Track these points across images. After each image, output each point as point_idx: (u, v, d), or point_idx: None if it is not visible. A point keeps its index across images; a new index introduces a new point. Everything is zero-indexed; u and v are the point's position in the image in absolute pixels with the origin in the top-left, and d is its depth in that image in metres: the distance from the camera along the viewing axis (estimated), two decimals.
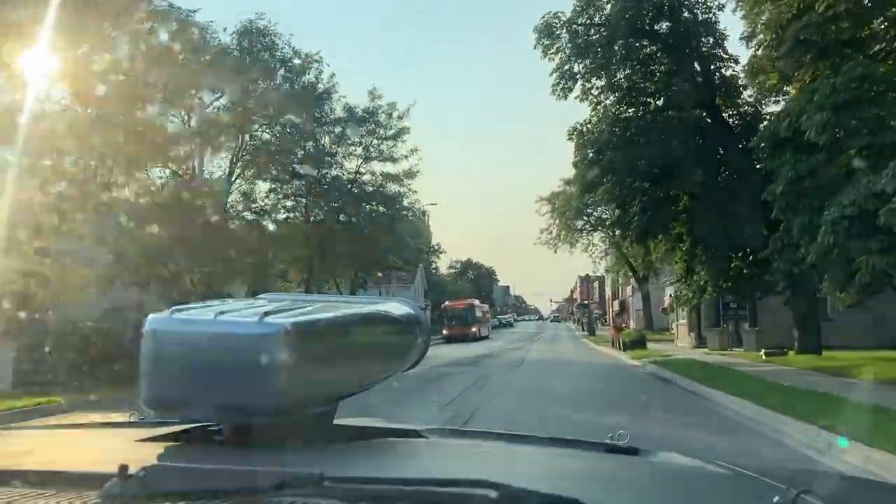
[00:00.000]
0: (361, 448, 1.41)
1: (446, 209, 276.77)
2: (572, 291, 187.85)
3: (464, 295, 67.41)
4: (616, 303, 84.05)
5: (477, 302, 58.72)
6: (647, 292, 54.58)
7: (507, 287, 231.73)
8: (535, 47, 25.32)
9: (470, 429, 2.16)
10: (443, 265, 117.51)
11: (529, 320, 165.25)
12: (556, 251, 54.19)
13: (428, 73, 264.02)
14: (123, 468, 0.99)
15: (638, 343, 29.15)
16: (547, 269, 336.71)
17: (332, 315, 1.38)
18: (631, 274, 57.00)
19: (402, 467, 1.36)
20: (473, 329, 52.71)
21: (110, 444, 1.54)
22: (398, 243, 39.33)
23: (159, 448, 1.31)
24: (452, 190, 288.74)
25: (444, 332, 51.51)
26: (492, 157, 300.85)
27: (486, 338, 56.71)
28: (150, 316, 1.28)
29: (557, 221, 53.60)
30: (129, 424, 1.75)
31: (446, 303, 56.26)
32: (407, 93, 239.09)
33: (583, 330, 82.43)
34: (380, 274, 42.76)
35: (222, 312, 1.26)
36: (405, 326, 1.60)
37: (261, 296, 1.58)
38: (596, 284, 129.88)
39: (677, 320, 36.90)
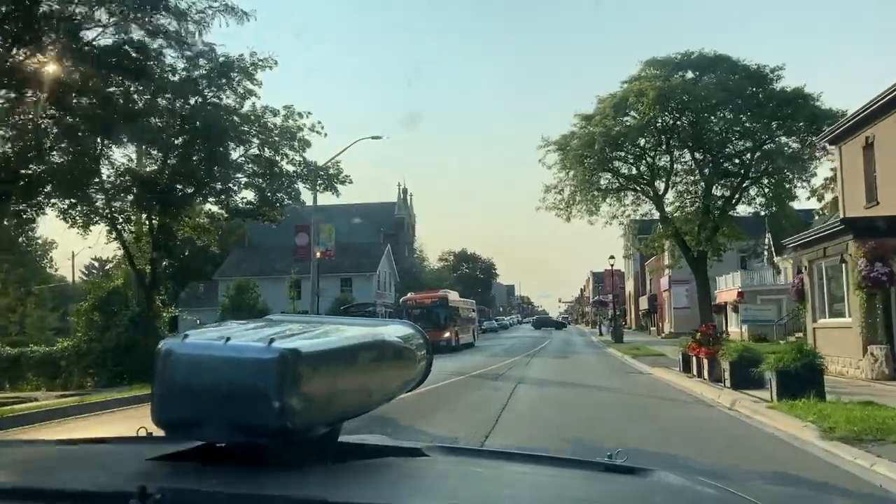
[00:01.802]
0: (364, 468, 1.44)
1: (449, 208, 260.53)
2: (582, 290, 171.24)
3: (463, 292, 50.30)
4: (644, 299, 66.17)
5: (454, 295, 41.14)
6: (706, 281, 36.97)
7: (512, 286, 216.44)
8: None
9: (471, 447, 2.07)
10: (432, 256, 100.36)
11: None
12: (568, 218, 36.70)
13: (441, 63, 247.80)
14: (142, 489, 1.06)
15: (798, 380, 10.97)
16: (556, 269, 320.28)
17: (336, 339, 1.43)
18: (673, 258, 39.10)
19: (403, 490, 1.39)
20: (446, 334, 35.40)
21: (122, 462, 1.54)
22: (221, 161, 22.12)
23: (171, 468, 1.36)
24: (458, 189, 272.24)
25: None
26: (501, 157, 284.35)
27: (468, 346, 39.30)
28: (164, 340, 1.34)
29: (572, 175, 36.14)
30: (137, 440, 1.79)
31: (408, 295, 38.65)
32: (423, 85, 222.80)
33: (601, 334, 64.73)
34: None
35: (232, 337, 1.31)
36: (407, 348, 1.64)
37: (269, 316, 1.73)
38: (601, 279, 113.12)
39: (813, 319, 19.15)
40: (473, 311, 45.42)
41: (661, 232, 37.78)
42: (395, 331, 1.66)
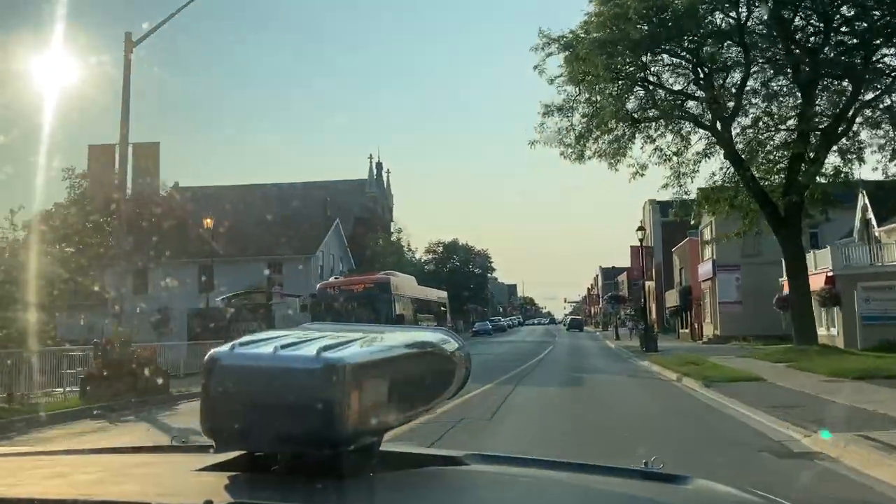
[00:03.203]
0: (408, 480, 1.48)
1: (450, 207, 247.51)
2: (590, 289, 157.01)
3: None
4: (672, 294, 52.47)
5: (404, 280, 27.32)
6: (800, 253, 23.63)
7: (514, 286, 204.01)
8: None
9: (508, 454, 1.80)
10: (421, 248, 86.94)
11: (539, 324, 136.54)
12: (580, 156, 23.20)
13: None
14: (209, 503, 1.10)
15: None
16: (560, 269, 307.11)
17: (382, 348, 1.43)
18: (747, 227, 25.41)
19: (449, 502, 1.46)
20: None
21: (169, 474, 1.57)
22: None
23: (223, 479, 1.36)
24: (458, 186, 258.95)
25: None
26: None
27: None
28: (213, 350, 1.33)
29: (582, 90, 22.82)
30: (172, 449, 1.89)
31: (330, 280, 25.08)
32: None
33: (617, 338, 51.29)
34: None
35: (282, 347, 1.31)
36: (448, 357, 1.64)
37: (304, 325, 1.64)
38: (617, 277, 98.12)
39: None
40: (444, 306, 32.10)
41: (728, 180, 24.26)
42: (435, 337, 1.64)
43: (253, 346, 1.34)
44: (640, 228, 33.34)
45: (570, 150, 24.23)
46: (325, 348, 1.29)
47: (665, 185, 24.46)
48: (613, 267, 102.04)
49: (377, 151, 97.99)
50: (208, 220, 29.77)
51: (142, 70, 23.66)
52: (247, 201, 45.68)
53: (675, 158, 24.29)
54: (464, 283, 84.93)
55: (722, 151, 23.51)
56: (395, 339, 1.51)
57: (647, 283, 75.64)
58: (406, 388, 1.48)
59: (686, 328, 49.54)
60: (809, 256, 32.88)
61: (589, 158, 24.23)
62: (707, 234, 42.29)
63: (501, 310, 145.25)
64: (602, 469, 1.67)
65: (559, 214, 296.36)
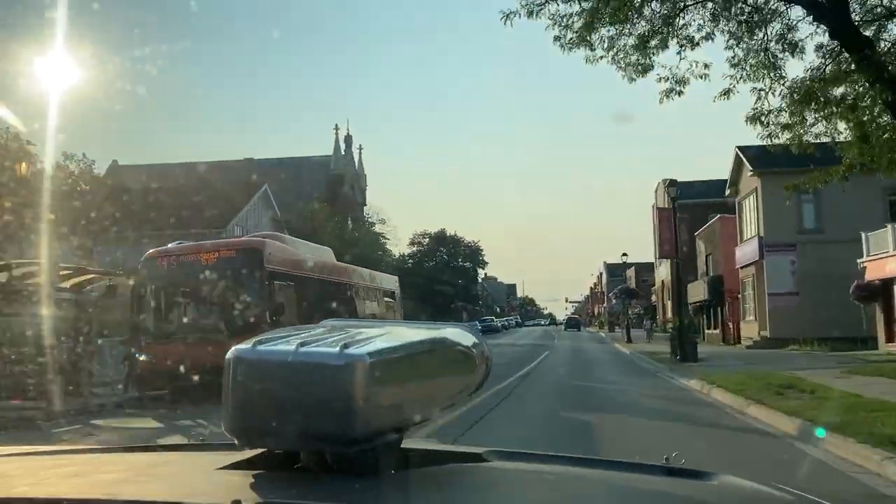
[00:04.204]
0: (430, 477, 1.48)
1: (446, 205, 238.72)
2: (593, 288, 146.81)
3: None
4: (697, 286, 41.79)
5: (295, 246, 16.77)
6: None
7: (513, 286, 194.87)
8: None
9: (530, 451, 1.79)
10: (403, 238, 77.53)
11: (537, 325, 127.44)
12: (581, 45, 13.86)
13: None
14: (237, 503, 1.11)
15: None
16: (561, 269, 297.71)
17: (405, 344, 1.41)
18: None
19: (472, 499, 1.46)
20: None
21: (193, 473, 1.56)
22: None
23: (247, 478, 1.35)
24: (458, 183, 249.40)
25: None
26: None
27: None
28: (234, 347, 1.31)
29: None
30: (192, 447, 1.91)
31: (168, 246, 15.10)
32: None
33: (629, 341, 41.51)
34: None
35: (304, 343, 1.30)
36: (469, 353, 1.62)
37: (324, 322, 1.64)
38: (625, 271, 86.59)
39: None
40: (392, 296, 22.28)
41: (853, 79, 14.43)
42: (454, 334, 1.62)
43: (274, 342, 1.33)
44: (672, 184, 23.53)
45: (568, 34, 14.45)
46: (349, 344, 1.28)
47: (728, 92, 14.60)
48: (625, 261, 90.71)
49: (346, 123, 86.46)
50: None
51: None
52: (183, 179, 39.81)
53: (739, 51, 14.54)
54: (452, 278, 75.34)
55: (824, 31, 13.82)
56: (415, 335, 1.50)
57: (660, 278, 66.04)
58: (428, 385, 1.47)
59: (715, 328, 39.84)
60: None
61: (594, 50, 14.48)
62: (749, 206, 32.68)
63: (498, 310, 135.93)
64: (624, 465, 1.66)
65: (559, 215, 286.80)
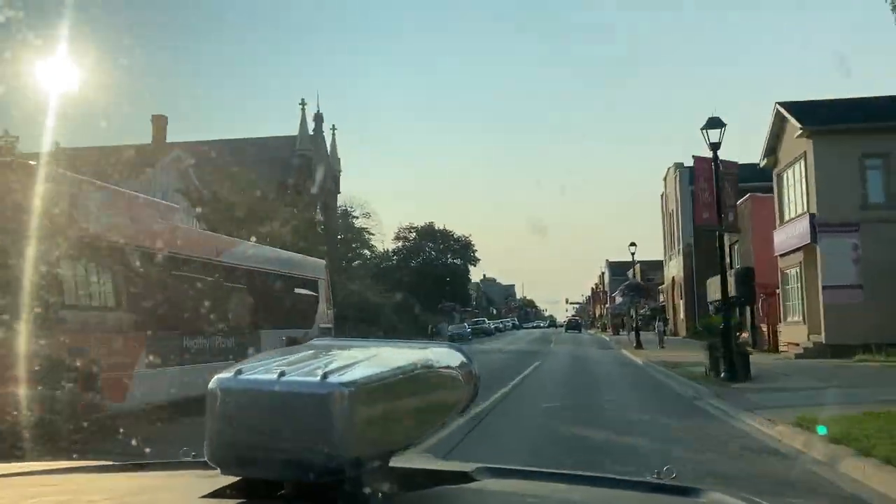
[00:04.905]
0: (414, 501, 1.47)
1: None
2: (594, 288, 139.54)
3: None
4: (731, 274, 35.09)
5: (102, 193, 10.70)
6: None
7: (512, 286, 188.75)
8: None
9: (518, 467, 1.78)
10: (388, 231, 71.13)
11: (536, 327, 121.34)
12: None
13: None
14: None
15: None
16: (562, 270, 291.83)
17: (389, 369, 1.40)
18: None
19: None
20: None
21: (177, 500, 1.56)
22: None
23: None
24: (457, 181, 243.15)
25: None
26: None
27: None
28: (217, 376, 1.31)
29: None
30: (178, 465, 1.81)
31: None
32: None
33: (639, 346, 34.78)
34: None
35: (285, 372, 1.29)
36: (456, 374, 1.61)
37: (311, 342, 1.61)
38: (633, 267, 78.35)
39: None
40: (312, 287, 15.60)
41: None
42: (442, 354, 1.60)
43: (255, 371, 1.33)
44: (713, 122, 16.66)
45: None
46: (330, 371, 1.28)
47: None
48: (633, 253, 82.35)
49: (316, 98, 76.74)
50: None
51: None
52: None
53: None
54: (440, 276, 68.48)
55: None
56: (400, 358, 1.49)
57: (670, 275, 58.92)
58: (413, 409, 1.47)
59: (744, 332, 33.05)
60: None
61: None
62: (794, 177, 25.93)
63: (495, 311, 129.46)
64: (611, 481, 1.69)
65: (560, 215, 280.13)
